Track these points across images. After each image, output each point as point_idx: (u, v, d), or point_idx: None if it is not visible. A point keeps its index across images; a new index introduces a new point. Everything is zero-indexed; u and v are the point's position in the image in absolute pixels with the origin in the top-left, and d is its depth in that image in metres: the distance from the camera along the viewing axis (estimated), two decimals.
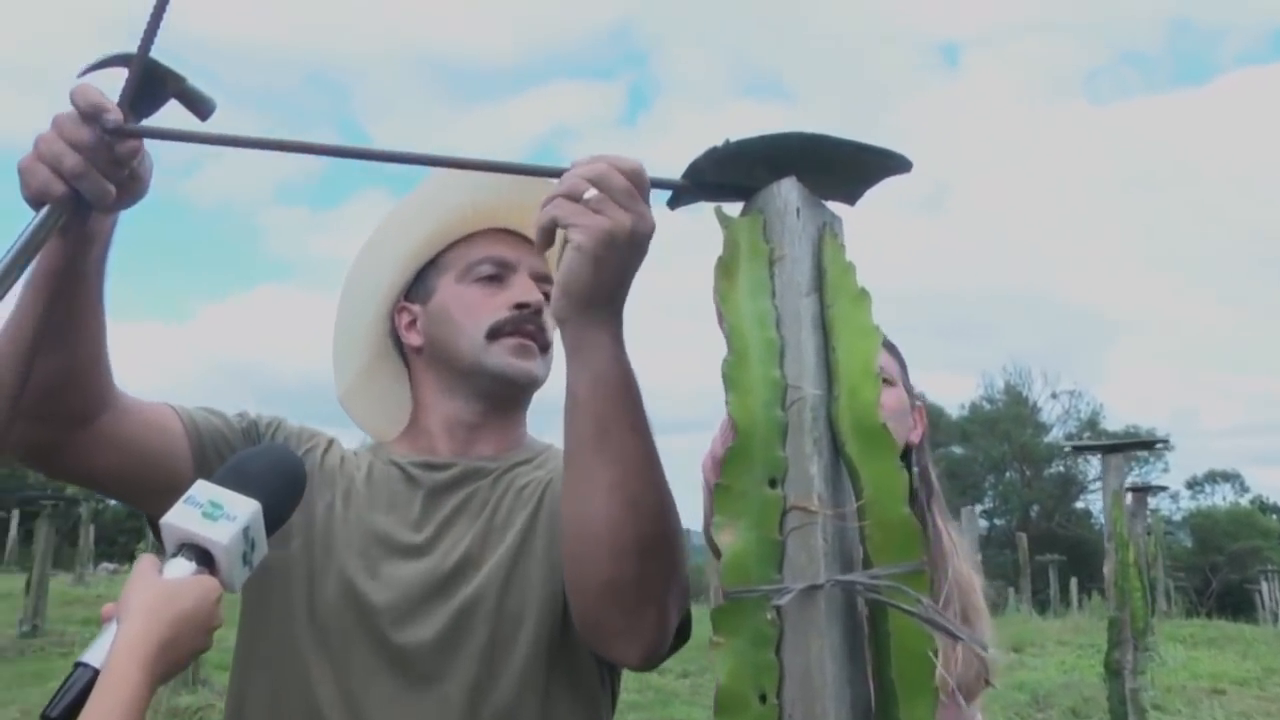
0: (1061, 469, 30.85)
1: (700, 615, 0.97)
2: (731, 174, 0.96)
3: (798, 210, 0.92)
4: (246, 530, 0.91)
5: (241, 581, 0.94)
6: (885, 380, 1.50)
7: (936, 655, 0.90)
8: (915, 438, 1.57)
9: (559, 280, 0.94)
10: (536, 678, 1.10)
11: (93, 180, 0.88)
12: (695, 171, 0.96)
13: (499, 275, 1.22)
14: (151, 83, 0.91)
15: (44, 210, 0.89)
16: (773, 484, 0.88)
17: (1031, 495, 32.40)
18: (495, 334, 1.19)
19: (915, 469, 1.57)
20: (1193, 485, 38.78)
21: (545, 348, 1.23)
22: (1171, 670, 9.46)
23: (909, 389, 1.56)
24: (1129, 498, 9.03)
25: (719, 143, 0.93)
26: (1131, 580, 5.61)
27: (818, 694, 0.84)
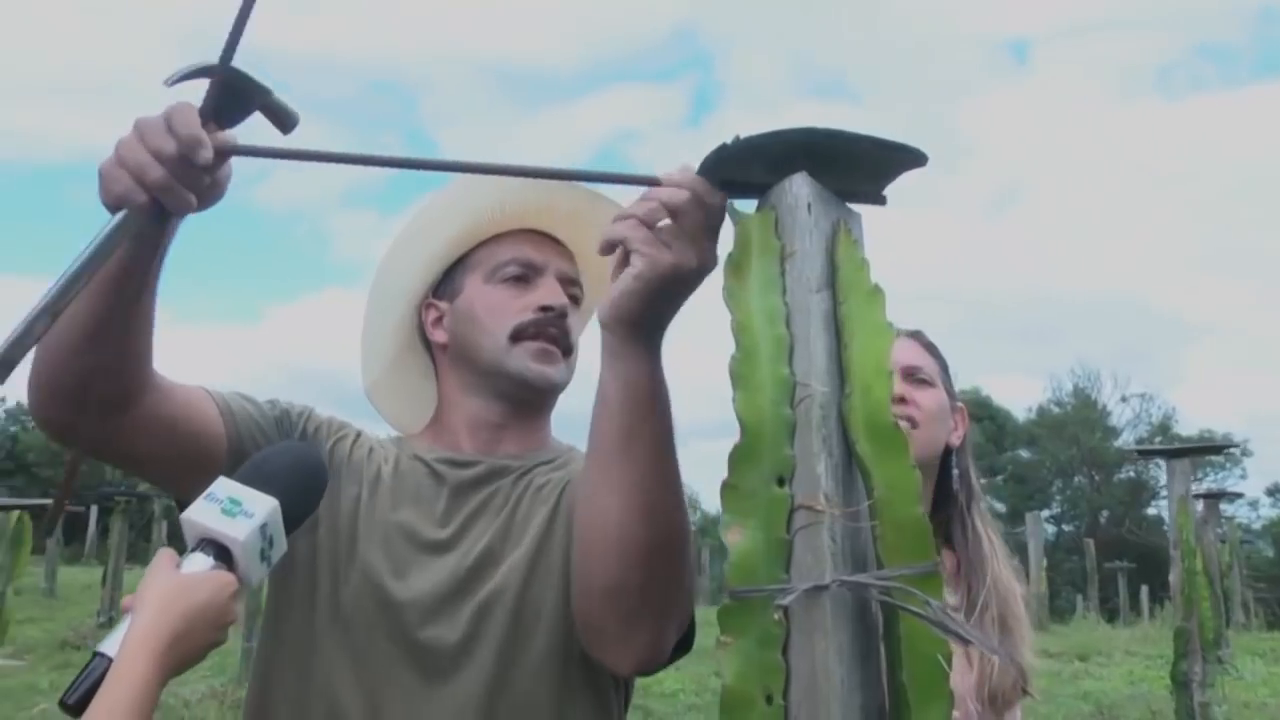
0: (1132, 474, 29.98)
1: None
2: (745, 171, 0.95)
3: (809, 206, 0.91)
4: (264, 527, 0.92)
5: (260, 578, 0.95)
6: (924, 381, 1.48)
7: (949, 660, 0.88)
8: (956, 440, 1.54)
9: (612, 294, 0.95)
10: (553, 674, 1.11)
11: (176, 192, 0.88)
12: (707, 169, 0.95)
13: (525, 276, 1.22)
14: (237, 94, 0.91)
15: (120, 216, 0.89)
16: (780, 483, 0.87)
17: (1100, 500, 31.53)
18: (518, 336, 1.19)
19: (955, 471, 1.54)
20: (1274, 493, 37.37)
21: (568, 351, 1.23)
22: (1250, 685, 9.10)
23: (950, 390, 1.54)
24: (1200, 505, 8.74)
25: (728, 140, 0.92)
26: (1199, 589, 5.42)
27: (823, 696, 0.83)
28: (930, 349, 1.51)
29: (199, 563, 0.90)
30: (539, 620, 1.12)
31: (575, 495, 1.12)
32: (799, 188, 0.91)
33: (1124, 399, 32.40)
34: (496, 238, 1.25)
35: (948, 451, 1.54)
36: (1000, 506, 31.36)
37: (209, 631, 0.89)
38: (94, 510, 21.71)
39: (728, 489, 0.87)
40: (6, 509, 5.05)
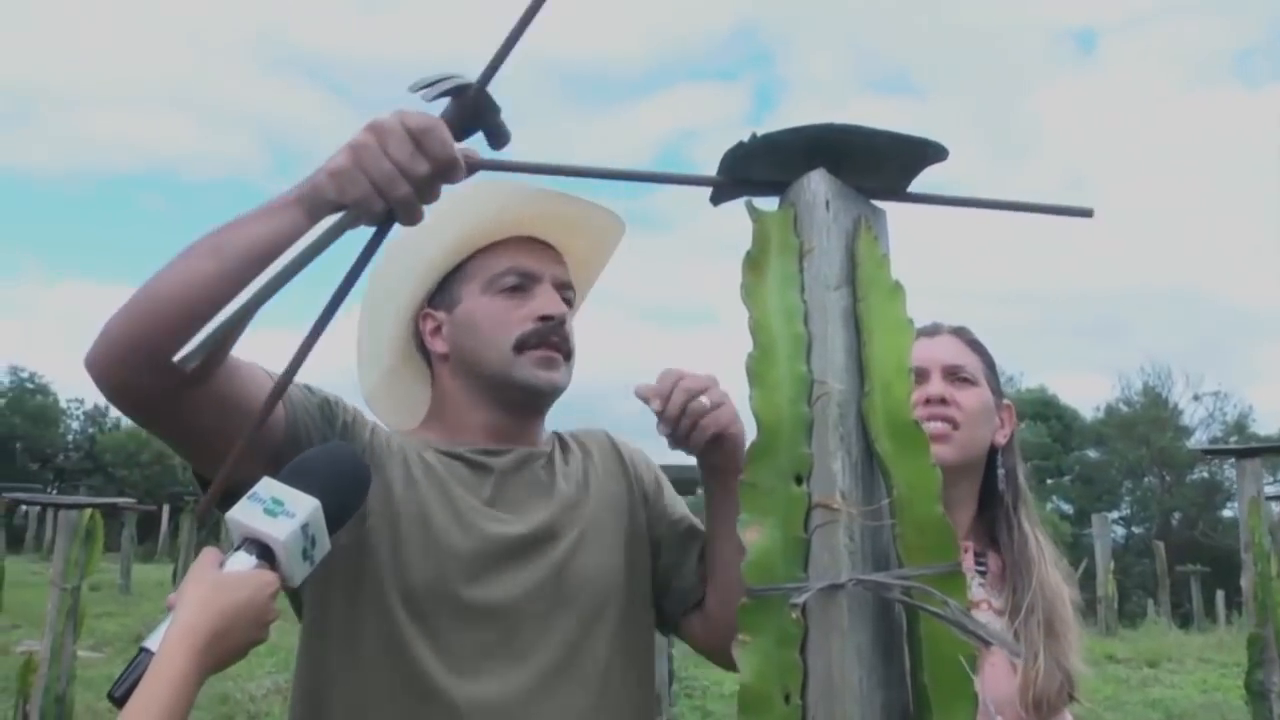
0: (1205, 474, 29.04)
1: None
2: (765, 169, 0.95)
3: (827, 202, 0.90)
4: (306, 527, 0.93)
5: (302, 577, 0.96)
6: (966, 380, 1.45)
7: (973, 662, 0.86)
8: (1002, 439, 1.51)
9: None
10: (622, 637, 1.19)
11: (414, 207, 0.89)
12: (725, 167, 0.95)
13: (523, 286, 1.25)
14: (477, 113, 0.91)
15: (342, 215, 0.89)
16: (799, 481, 0.86)
17: (1172, 502, 30.58)
18: (522, 347, 1.22)
19: (1001, 470, 1.51)
20: None
21: (569, 356, 1.27)
22: None
23: (995, 388, 1.51)
24: (1276, 507, 8.43)
25: (745, 137, 0.92)
26: (1275, 594, 5.23)
27: (839, 696, 0.82)
28: (974, 346, 1.48)
29: (242, 561, 0.92)
30: (608, 589, 1.19)
31: (611, 473, 1.29)
32: (816, 184, 0.90)
33: (1197, 397, 31.40)
34: (490, 247, 1.27)
35: (993, 451, 1.51)
36: (1067, 508, 30.62)
37: (249, 629, 0.90)
38: (166, 510, 22.41)
39: (745, 487, 0.87)
40: (79, 507, 5.25)
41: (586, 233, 1.31)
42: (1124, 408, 32.87)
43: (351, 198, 0.88)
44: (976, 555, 1.49)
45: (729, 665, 1.02)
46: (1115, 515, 30.55)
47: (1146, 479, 32.14)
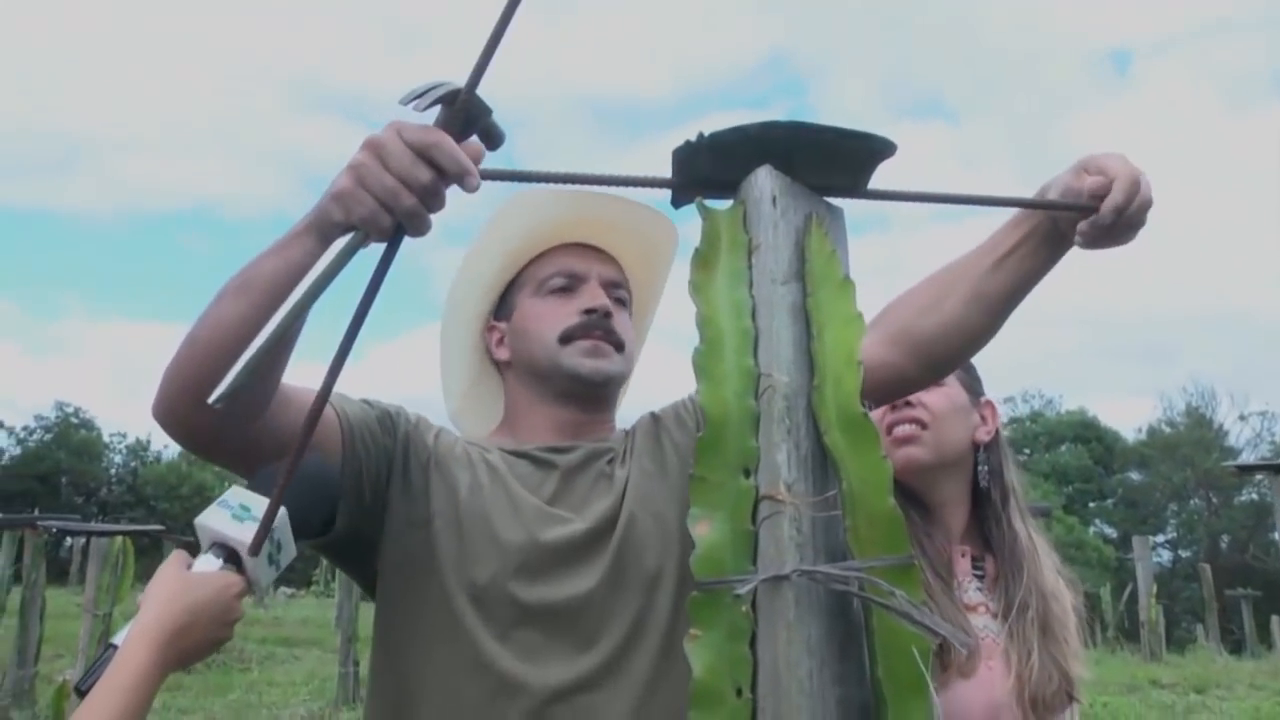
0: (1254, 496, 28.32)
1: None
2: (719, 168, 0.96)
3: (774, 199, 0.91)
4: (271, 532, 0.95)
5: (269, 580, 0.99)
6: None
7: (926, 656, 0.85)
8: (984, 436, 1.50)
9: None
10: (682, 594, 1.17)
11: (423, 218, 0.88)
12: (677, 168, 0.96)
13: (570, 286, 1.31)
14: (470, 117, 0.90)
15: (353, 236, 0.89)
16: (747, 474, 0.86)
17: (1220, 525, 29.85)
18: (567, 339, 1.28)
19: (984, 468, 1.50)
20: None
21: (619, 346, 1.30)
22: None
23: (970, 387, 1.50)
24: None
25: (693, 137, 0.93)
26: None
27: (785, 688, 0.81)
28: None
29: (208, 564, 0.95)
30: (661, 556, 1.20)
31: (661, 452, 1.28)
32: (763, 181, 0.91)
33: (1242, 417, 30.72)
34: (541, 256, 1.34)
35: (977, 449, 1.50)
36: (1110, 531, 30.00)
37: (213, 627, 0.92)
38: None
39: (696, 481, 0.87)
40: (114, 534, 5.34)
41: (632, 235, 1.36)
42: (1166, 429, 32.24)
43: (358, 216, 0.88)
44: (974, 560, 1.48)
45: None
46: (1161, 539, 29.88)
47: (1192, 501, 31.43)
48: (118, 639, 0.91)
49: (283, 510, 0.97)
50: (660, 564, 1.20)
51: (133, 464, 36.53)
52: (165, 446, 36.94)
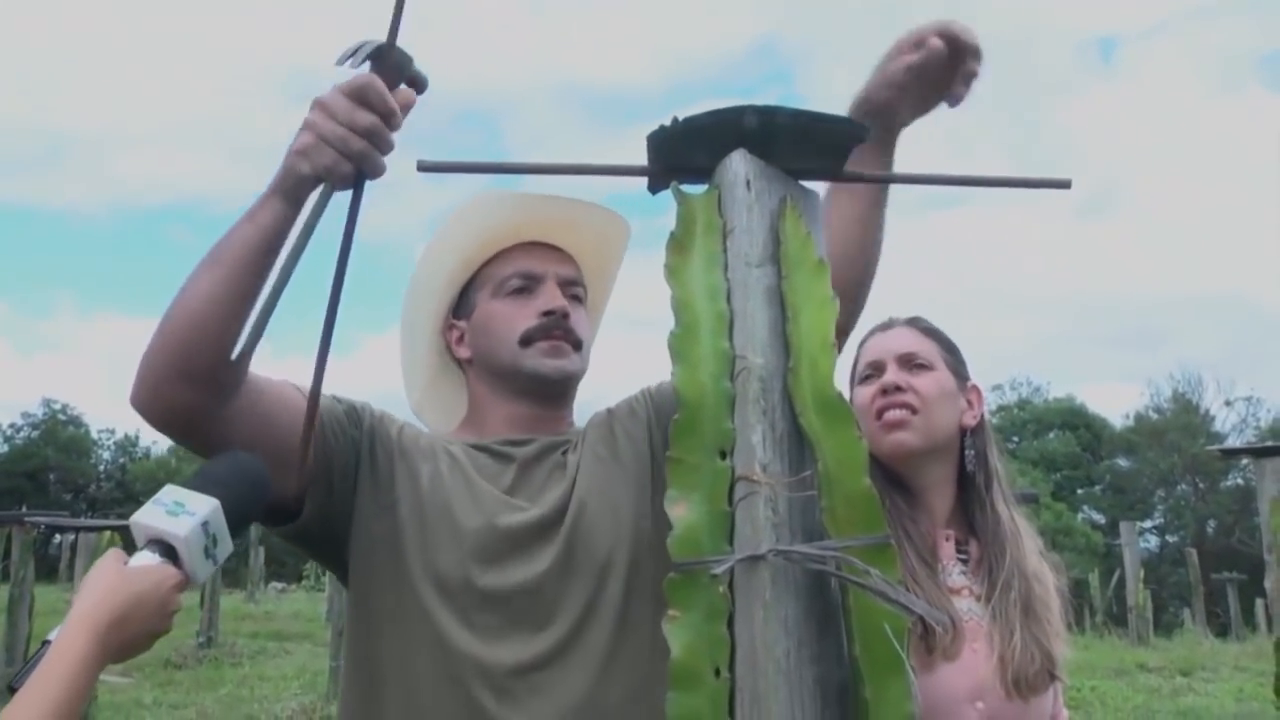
0: (1240, 481, 28.53)
1: None
2: (694, 154, 0.96)
3: (748, 182, 0.91)
4: (206, 525, 0.97)
5: (206, 574, 0.99)
6: (922, 365, 1.46)
7: (902, 636, 0.86)
8: (970, 420, 1.51)
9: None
10: (636, 575, 1.23)
11: (375, 159, 0.99)
12: (652, 153, 0.96)
13: (527, 287, 1.34)
14: (395, 67, 1.01)
15: (321, 188, 0.99)
16: (723, 456, 0.87)
17: (1206, 509, 30.08)
18: (528, 340, 1.31)
19: (970, 452, 1.51)
20: None
21: (577, 345, 1.34)
22: None
23: (957, 371, 1.51)
24: None
25: (666, 122, 0.93)
26: None
27: (762, 668, 0.82)
28: (929, 333, 1.48)
29: (145, 559, 0.95)
30: (614, 540, 1.23)
31: (615, 445, 1.32)
32: (737, 165, 0.92)
33: (1228, 403, 30.93)
34: (498, 255, 1.37)
35: (963, 433, 1.51)
36: (1099, 517, 30.19)
37: (150, 619, 0.92)
38: None
39: (672, 462, 0.87)
40: (101, 529, 5.32)
41: (587, 231, 1.40)
42: (1154, 415, 32.44)
43: (322, 166, 0.97)
44: (958, 543, 1.49)
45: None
46: (1149, 524, 30.06)
47: (1179, 487, 31.65)
48: (52, 635, 0.90)
49: (216, 503, 0.98)
50: (612, 547, 1.24)
51: (121, 460, 36.40)
52: (154, 442, 36.84)
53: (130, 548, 0.99)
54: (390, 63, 0.99)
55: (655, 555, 1.24)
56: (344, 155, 0.97)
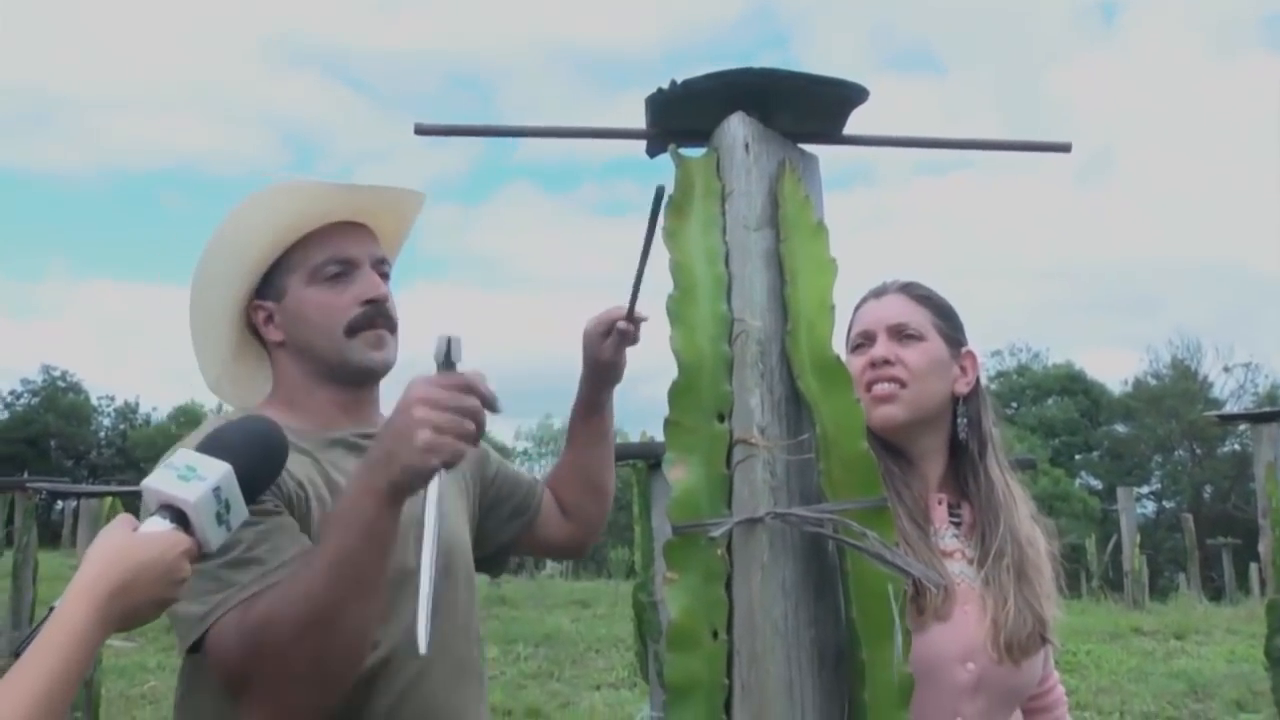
0: (1236, 447, 28.63)
1: None
2: (692, 117, 0.96)
3: (746, 145, 0.91)
4: (218, 490, 0.95)
5: (219, 540, 0.97)
6: (912, 336, 1.45)
7: (899, 596, 0.87)
8: (964, 387, 1.51)
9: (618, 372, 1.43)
10: (472, 585, 1.40)
11: (477, 438, 1.03)
12: (651, 116, 0.96)
13: (345, 272, 1.33)
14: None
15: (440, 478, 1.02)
16: (721, 419, 0.87)
17: (1203, 475, 30.18)
18: (352, 330, 1.31)
19: (963, 420, 1.51)
20: None
21: (394, 329, 1.37)
22: None
23: (950, 338, 1.50)
24: None
25: (665, 85, 0.92)
26: None
27: (760, 629, 0.83)
28: (922, 300, 1.47)
29: (156, 525, 0.93)
30: (464, 549, 1.37)
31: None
32: (736, 128, 0.91)
33: (1227, 369, 30.91)
34: (307, 237, 1.35)
35: (956, 400, 1.51)
36: (1096, 483, 30.31)
37: (157, 586, 0.89)
38: None
39: (670, 425, 0.88)
40: (104, 495, 5.34)
41: (393, 210, 1.43)
42: (1152, 381, 32.46)
43: (449, 454, 0.99)
44: (950, 507, 1.49)
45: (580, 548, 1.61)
46: (1146, 490, 30.18)
47: (1177, 453, 31.76)
48: (57, 602, 0.88)
49: (227, 467, 0.97)
50: (457, 556, 1.36)
51: (121, 426, 36.44)
52: (154, 409, 36.86)
53: (133, 514, 0.97)
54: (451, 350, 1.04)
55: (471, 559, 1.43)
56: (461, 439, 1.00)
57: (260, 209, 1.33)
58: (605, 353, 1.39)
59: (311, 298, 1.33)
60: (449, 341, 1.03)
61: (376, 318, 1.32)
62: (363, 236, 1.37)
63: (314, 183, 1.34)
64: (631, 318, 1.34)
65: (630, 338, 1.37)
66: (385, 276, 1.38)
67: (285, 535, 1.16)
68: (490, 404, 1.04)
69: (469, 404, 1.02)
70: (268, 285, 1.37)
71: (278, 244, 1.35)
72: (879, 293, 1.48)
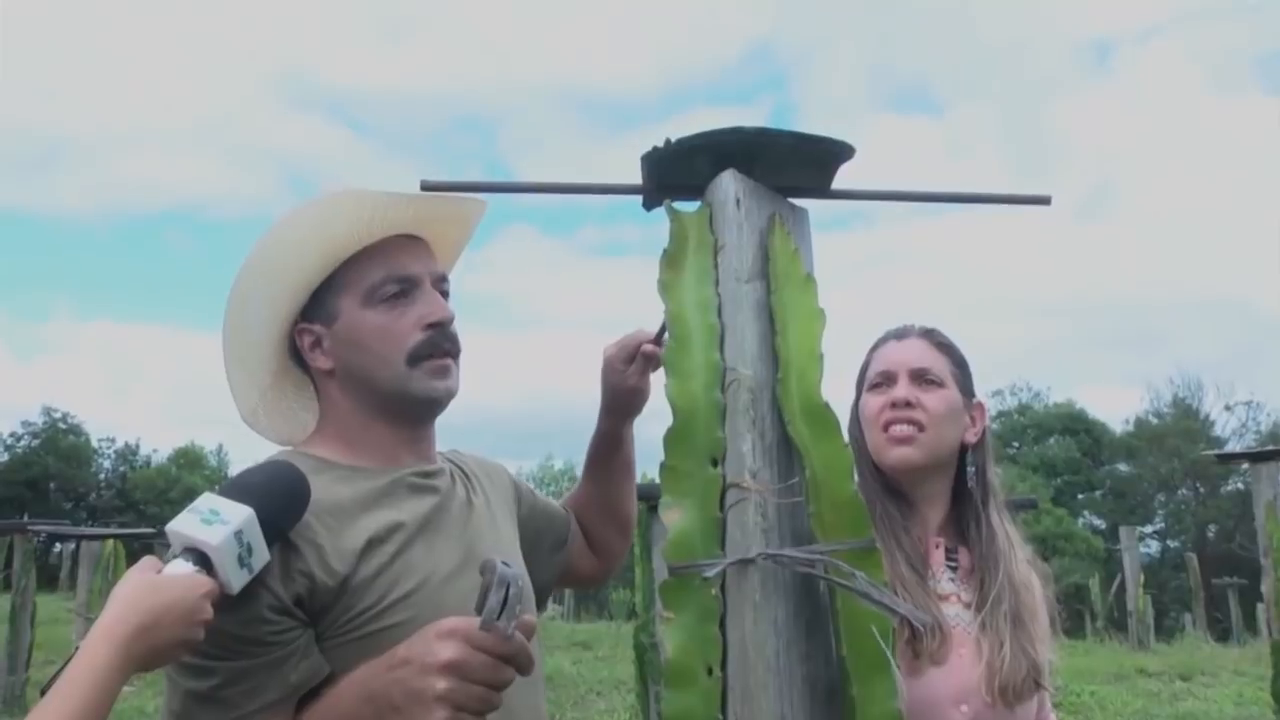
0: (1240, 485, 28.52)
1: None
2: (687, 173, 1.00)
3: (737, 200, 0.95)
4: (240, 534, 0.97)
5: (241, 583, 0.99)
6: (933, 382, 1.48)
7: (888, 635, 0.90)
8: (972, 437, 1.54)
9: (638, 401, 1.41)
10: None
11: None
12: (646, 172, 1.00)
13: (404, 292, 1.18)
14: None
15: None
16: (715, 464, 0.91)
17: (1207, 514, 30.06)
18: (415, 359, 1.17)
19: (971, 468, 1.54)
20: None
21: (458, 356, 1.23)
22: None
23: (965, 388, 1.53)
24: None
25: (660, 143, 0.97)
26: None
27: (753, 667, 0.86)
28: (942, 347, 1.50)
29: (179, 568, 0.95)
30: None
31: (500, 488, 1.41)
32: (727, 184, 0.95)
33: (1228, 407, 30.92)
34: (360, 254, 1.20)
35: (964, 449, 1.54)
36: (1099, 522, 30.17)
37: (178, 627, 0.91)
38: None
39: (666, 470, 0.91)
40: (103, 538, 5.35)
41: (456, 219, 1.28)
42: (1154, 420, 32.44)
43: (482, 706, 0.91)
44: (948, 551, 1.52)
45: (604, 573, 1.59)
46: (1149, 529, 30.01)
47: (1180, 492, 31.64)
48: (82, 641, 0.90)
49: (250, 511, 0.98)
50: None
51: (121, 468, 36.34)
52: (154, 450, 36.80)
53: (131, 558, 1.00)
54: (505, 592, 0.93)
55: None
56: (482, 714, 0.91)
57: (308, 221, 1.17)
58: (629, 379, 1.33)
59: (368, 321, 1.17)
60: (507, 585, 0.88)
61: (442, 343, 1.18)
62: (421, 251, 1.21)
63: (371, 192, 1.17)
64: (660, 340, 1.25)
65: (657, 362, 1.30)
66: (446, 295, 1.22)
67: (271, 675, 1.03)
68: (525, 671, 0.92)
69: (504, 678, 0.91)
70: (316, 306, 1.20)
71: (329, 260, 1.18)
72: (900, 335, 1.51)
